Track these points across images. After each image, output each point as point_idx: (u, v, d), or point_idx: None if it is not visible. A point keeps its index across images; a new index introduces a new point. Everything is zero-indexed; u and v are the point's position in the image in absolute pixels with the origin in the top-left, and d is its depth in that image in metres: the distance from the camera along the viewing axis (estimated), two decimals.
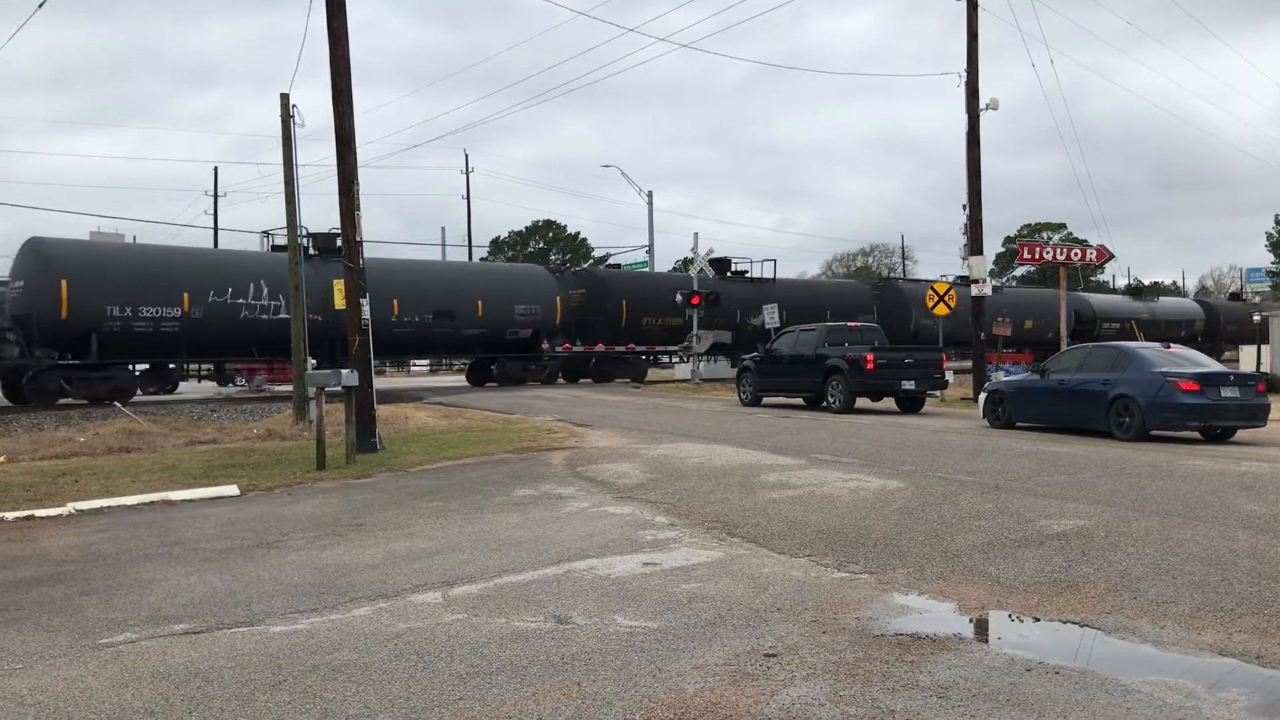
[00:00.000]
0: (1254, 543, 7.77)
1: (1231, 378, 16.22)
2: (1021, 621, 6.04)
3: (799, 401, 25.19)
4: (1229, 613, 6.01)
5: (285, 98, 22.26)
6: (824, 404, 23.53)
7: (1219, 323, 59.15)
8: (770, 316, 36.54)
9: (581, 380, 38.69)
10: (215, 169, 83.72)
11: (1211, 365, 17.37)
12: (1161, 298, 60.58)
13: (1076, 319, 47.65)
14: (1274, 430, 16.96)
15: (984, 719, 4.38)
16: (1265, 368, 34.87)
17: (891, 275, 47.02)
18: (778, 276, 43.29)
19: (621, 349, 38.53)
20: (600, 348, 37.79)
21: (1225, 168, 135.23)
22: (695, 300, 36.32)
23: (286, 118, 22.20)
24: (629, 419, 21.00)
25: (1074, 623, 5.94)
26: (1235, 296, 76.81)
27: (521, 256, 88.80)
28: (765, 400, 25.80)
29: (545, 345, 35.83)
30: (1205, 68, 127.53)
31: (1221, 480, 10.93)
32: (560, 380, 38.38)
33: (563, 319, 36.70)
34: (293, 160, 22.32)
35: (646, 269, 52.34)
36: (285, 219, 22.53)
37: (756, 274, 42.64)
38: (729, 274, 41.51)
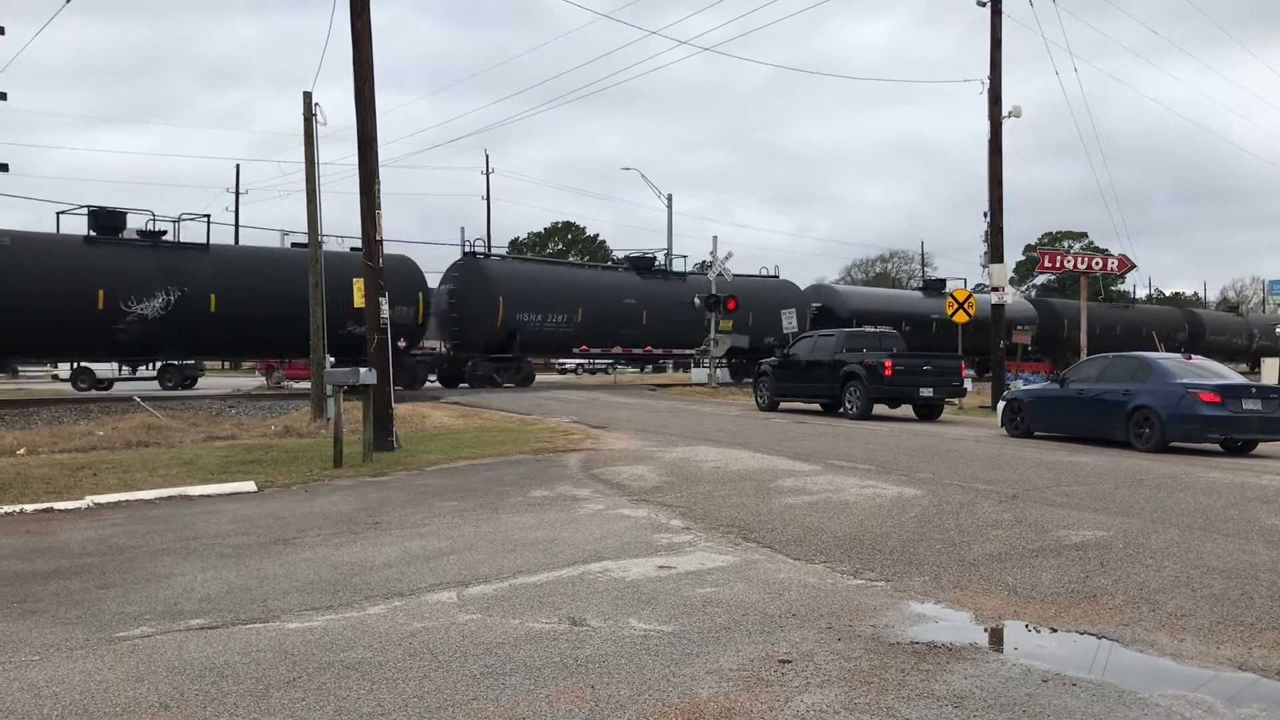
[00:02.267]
0: (1275, 557, 7.68)
1: (1253, 390, 16.08)
2: (1038, 632, 5.99)
3: (816, 407, 25.13)
4: (1249, 627, 5.95)
5: (308, 96, 22.38)
6: (841, 410, 23.45)
7: (1062, 328, 48.88)
8: (789, 321, 36.48)
9: None
10: (237, 166, 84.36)
11: (1233, 377, 17.23)
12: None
13: (824, 315, 40.80)
14: None
15: None
16: None
17: (477, 252, 36.80)
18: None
19: None
20: None
21: (1248, 179, 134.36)
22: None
23: (309, 116, 22.29)
24: (645, 422, 20.98)
25: (1091, 634, 5.89)
26: (1108, 299, 61.72)
27: None
28: (782, 405, 25.74)
29: None
30: (1229, 77, 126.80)
31: (1242, 493, 10.83)
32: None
33: None
34: (314, 158, 22.44)
35: None
36: (306, 217, 22.64)
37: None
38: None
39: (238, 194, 63.31)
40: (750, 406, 26.63)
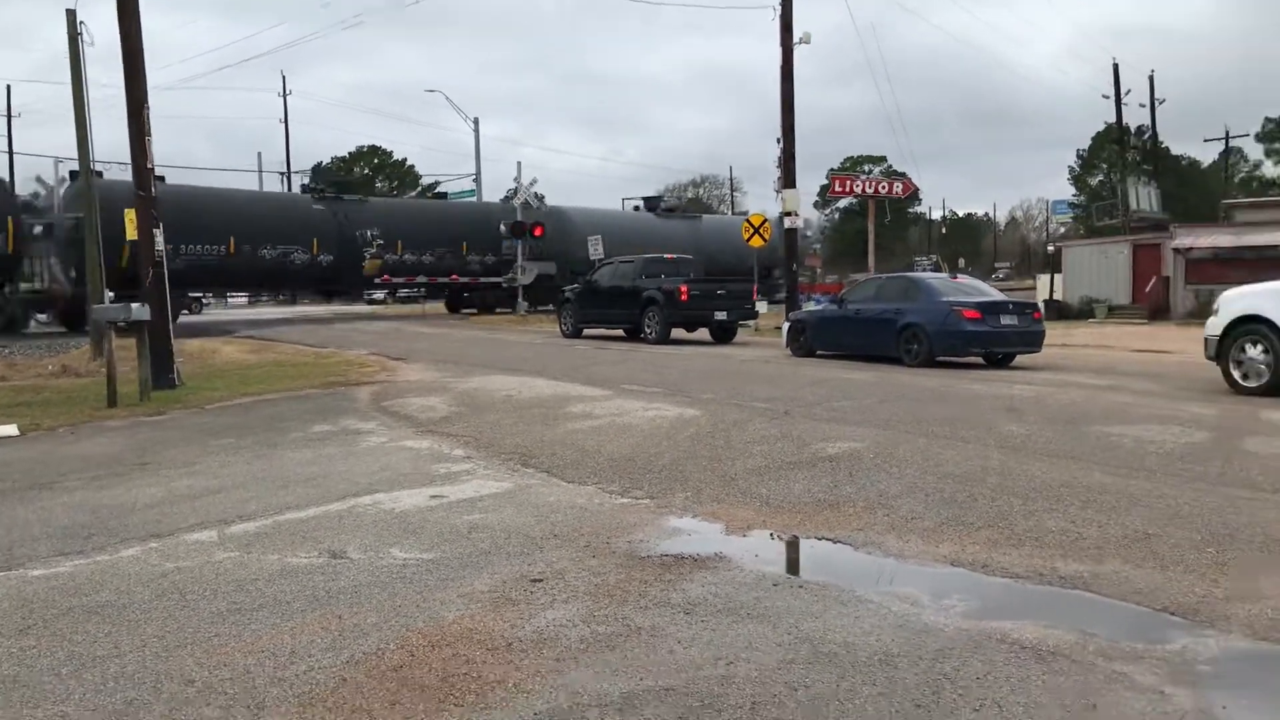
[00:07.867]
0: (1004, 461, 8.38)
1: (1010, 306, 17.27)
2: (781, 540, 6.40)
3: (619, 333, 25.52)
4: (968, 526, 6.50)
5: (71, 14, 20.83)
6: (642, 335, 23.91)
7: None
8: (595, 248, 36.68)
9: None
10: (8, 87, 77.32)
11: (994, 294, 18.43)
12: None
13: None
14: (1050, 355, 18.23)
15: (724, 631, 4.65)
16: (1059, 296, 37.30)
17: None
18: None
19: None
20: None
21: (1030, 103, 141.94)
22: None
23: (74, 36, 20.79)
24: (446, 352, 20.87)
25: (828, 539, 6.32)
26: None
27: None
28: (586, 332, 26.02)
29: None
30: (1010, 7, 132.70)
31: (993, 403, 11.69)
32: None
33: None
34: (83, 81, 20.98)
35: (474, 198, 51.45)
36: (76, 143, 21.25)
37: None
38: None
39: (9, 117, 58.59)
40: (555, 334, 26.80)
